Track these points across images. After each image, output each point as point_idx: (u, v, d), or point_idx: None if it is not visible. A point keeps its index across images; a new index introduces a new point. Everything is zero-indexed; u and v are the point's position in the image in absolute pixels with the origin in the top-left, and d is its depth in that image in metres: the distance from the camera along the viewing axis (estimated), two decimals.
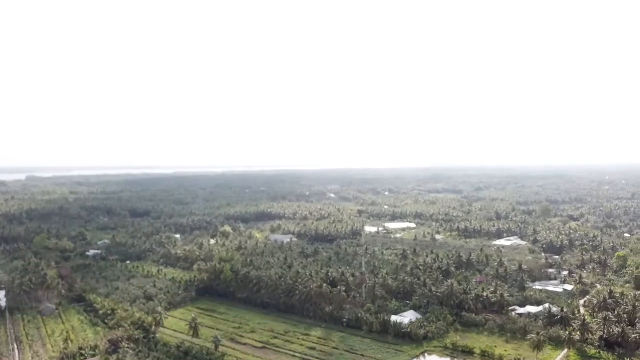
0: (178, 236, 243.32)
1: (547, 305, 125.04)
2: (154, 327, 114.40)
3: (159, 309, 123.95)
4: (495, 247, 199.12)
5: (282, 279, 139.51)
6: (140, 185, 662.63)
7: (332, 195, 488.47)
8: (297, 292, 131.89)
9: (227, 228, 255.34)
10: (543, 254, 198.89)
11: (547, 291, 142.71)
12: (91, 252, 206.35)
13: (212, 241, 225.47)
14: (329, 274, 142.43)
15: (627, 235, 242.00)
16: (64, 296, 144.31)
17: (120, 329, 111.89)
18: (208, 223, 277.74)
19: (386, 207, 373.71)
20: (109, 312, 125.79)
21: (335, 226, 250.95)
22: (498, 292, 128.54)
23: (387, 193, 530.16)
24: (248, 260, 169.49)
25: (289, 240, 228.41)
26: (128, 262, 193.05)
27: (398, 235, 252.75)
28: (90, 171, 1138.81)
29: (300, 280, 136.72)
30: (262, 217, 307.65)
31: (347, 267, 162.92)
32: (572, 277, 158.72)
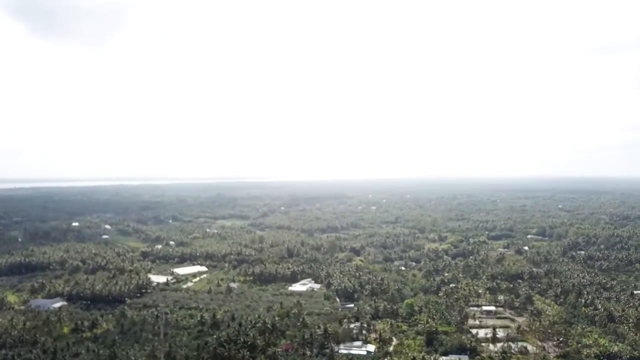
0: None
1: None
2: None
3: None
4: (295, 300, 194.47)
5: None
6: None
7: (108, 227, 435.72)
8: None
9: None
10: (338, 300, 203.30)
11: (352, 355, 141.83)
12: None
13: None
14: None
15: (403, 268, 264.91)
16: None
17: None
18: None
19: (172, 242, 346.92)
20: None
21: (117, 281, 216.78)
22: None
23: (171, 221, 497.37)
24: None
25: (57, 306, 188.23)
26: None
27: (190, 284, 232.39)
28: None
29: None
30: (19, 269, 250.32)
31: (137, 345, 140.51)
32: (370, 330, 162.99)
